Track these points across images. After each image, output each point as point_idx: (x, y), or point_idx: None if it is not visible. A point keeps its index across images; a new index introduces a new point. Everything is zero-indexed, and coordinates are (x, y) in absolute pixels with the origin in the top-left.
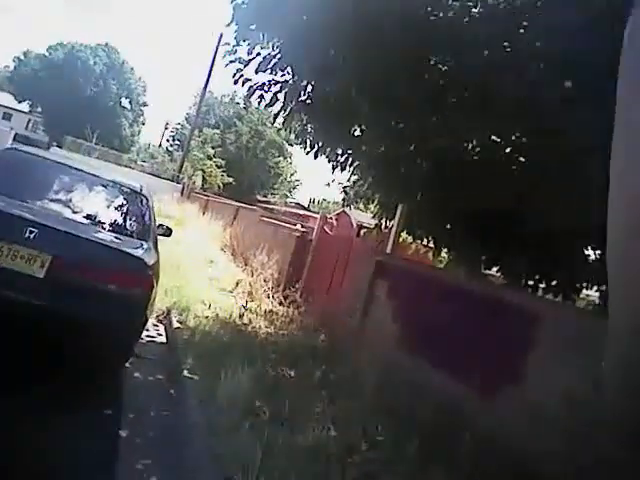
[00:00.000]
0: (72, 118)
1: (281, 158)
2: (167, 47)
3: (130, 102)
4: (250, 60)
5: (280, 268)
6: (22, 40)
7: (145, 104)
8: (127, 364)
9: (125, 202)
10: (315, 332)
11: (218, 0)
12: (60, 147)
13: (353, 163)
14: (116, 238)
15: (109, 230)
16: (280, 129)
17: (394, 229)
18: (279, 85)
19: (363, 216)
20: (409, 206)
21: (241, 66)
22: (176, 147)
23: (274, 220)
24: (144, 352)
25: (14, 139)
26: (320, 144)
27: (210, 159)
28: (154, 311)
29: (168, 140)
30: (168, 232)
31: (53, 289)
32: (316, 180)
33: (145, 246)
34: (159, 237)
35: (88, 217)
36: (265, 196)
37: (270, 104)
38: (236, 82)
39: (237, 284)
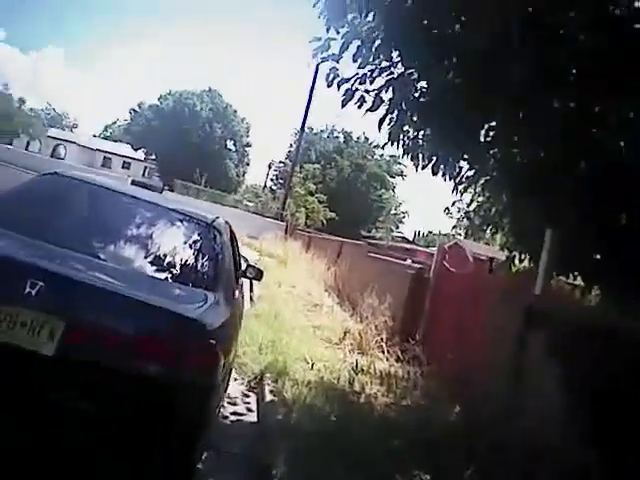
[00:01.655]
0: (182, 163)
1: (383, 190)
2: (266, 86)
3: (235, 144)
4: (345, 47)
5: (393, 313)
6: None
7: (249, 145)
8: (200, 462)
9: (188, 239)
10: (446, 403)
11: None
12: (171, 190)
13: (479, 179)
14: (165, 290)
15: (157, 278)
16: (381, 161)
17: (543, 263)
18: (384, 79)
19: (476, 247)
20: (561, 232)
21: (335, 64)
22: (279, 185)
23: (382, 256)
24: (226, 440)
25: (132, 185)
26: (437, 157)
27: (312, 195)
28: (247, 373)
29: (272, 179)
30: (259, 275)
31: (67, 375)
32: (422, 212)
33: (210, 300)
34: (249, 281)
35: (128, 260)
36: (369, 231)
37: (372, 108)
38: (330, 84)
39: (345, 334)
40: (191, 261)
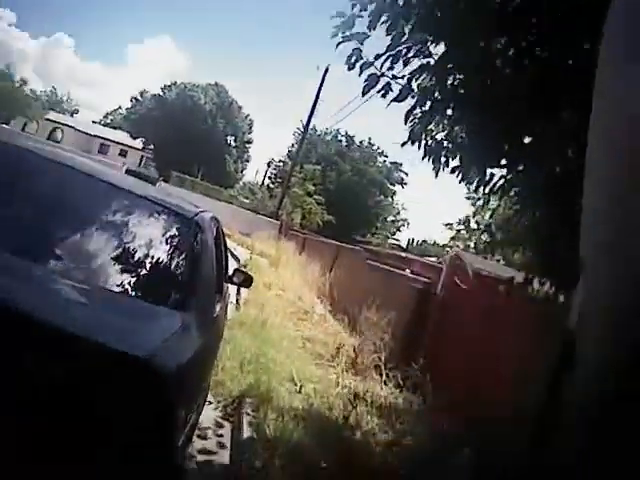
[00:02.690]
0: (181, 155)
1: (382, 197)
2: (272, 83)
3: (236, 140)
4: (374, 23)
5: (394, 330)
6: (142, 84)
7: (250, 142)
8: None
9: (158, 237)
10: (456, 446)
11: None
12: (166, 182)
13: (511, 189)
14: (114, 312)
15: (107, 291)
16: (382, 167)
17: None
18: (419, 61)
19: (475, 260)
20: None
21: (359, 45)
22: (277, 184)
23: (381, 264)
24: None
25: (126, 174)
26: (467, 160)
27: (310, 196)
28: (223, 395)
29: (270, 178)
30: (247, 282)
31: None
32: (416, 220)
33: (174, 325)
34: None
35: (68, 265)
36: (364, 236)
37: (400, 97)
38: (351, 67)
39: (338, 350)
40: (159, 267)
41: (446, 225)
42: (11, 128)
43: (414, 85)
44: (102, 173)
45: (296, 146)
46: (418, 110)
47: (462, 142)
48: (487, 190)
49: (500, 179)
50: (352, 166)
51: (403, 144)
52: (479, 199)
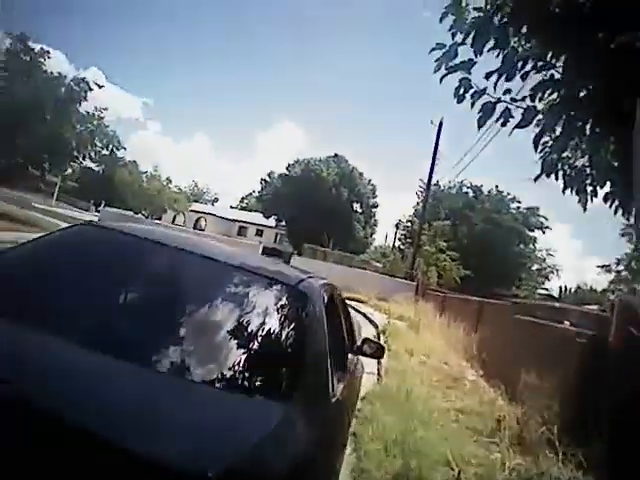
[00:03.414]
0: (311, 227)
1: (522, 245)
2: (390, 145)
3: (361, 206)
4: (480, 47)
5: (562, 396)
6: (270, 166)
7: (375, 205)
8: None
9: (251, 314)
10: None
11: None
12: (300, 255)
13: None
14: (200, 414)
15: (189, 387)
16: (517, 214)
17: None
18: (541, 76)
19: None
20: None
21: (466, 74)
22: (408, 245)
23: (531, 317)
24: None
25: (262, 251)
26: (618, 186)
27: (443, 252)
28: None
29: (400, 239)
30: (378, 352)
31: None
32: (566, 266)
33: (273, 422)
34: (366, 359)
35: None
36: (508, 289)
37: (523, 122)
38: (461, 99)
39: (499, 423)
40: (255, 351)
41: (602, 267)
42: (162, 223)
43: (538, 106)
44: (194, 244)
45: (421, 204)
46: (547, 137)
47: (611, 164)
48: None
49: None
50: (484, 217)
51: (536, 178)
52: None
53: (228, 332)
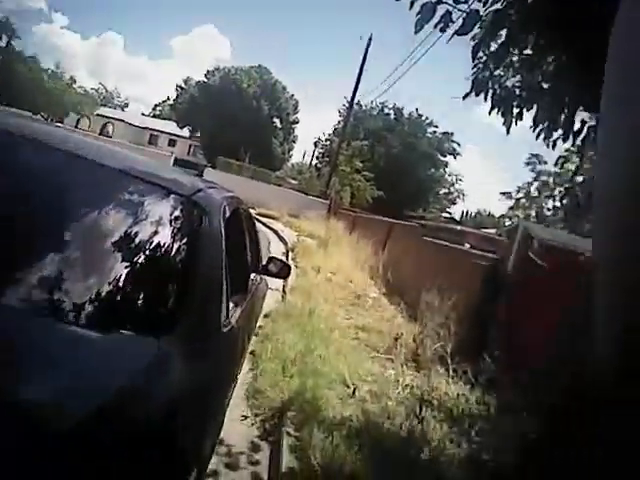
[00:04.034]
0: (228, 140)
1: (434, 169)
2: (316, 60)
3: (281, 121)
4: None
5: (460, 315)
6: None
7: (296, 122)
8: None
9: (135, 228)
10: (539, 447)
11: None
12: (214, 168)
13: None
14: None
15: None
16: (433, 139)
17: None
18: None
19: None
20: None
21: None
22: (325, 163)
23: (437, 239)
24: None
25: (174, 163)
26: (546, 109)
27: (359, 173)
28: (262, 407)
29: (318, 157)
30: (284, 271)
31: None
32: (469, 191)
33: (144, 360)
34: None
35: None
36: (416, 211)
37: (464, 28)
38: None
39: (396, 340)
40: (125, 278)
41: (504, 194)
42: (64, 126)
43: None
44: (63, 140)
45: (342, 123)
46: (482, 54)
47: (541, 86)
48: (578, 141)
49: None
50: (401, 140)
51: (465, 96)
52: (539, 163)
53: (97, 253)
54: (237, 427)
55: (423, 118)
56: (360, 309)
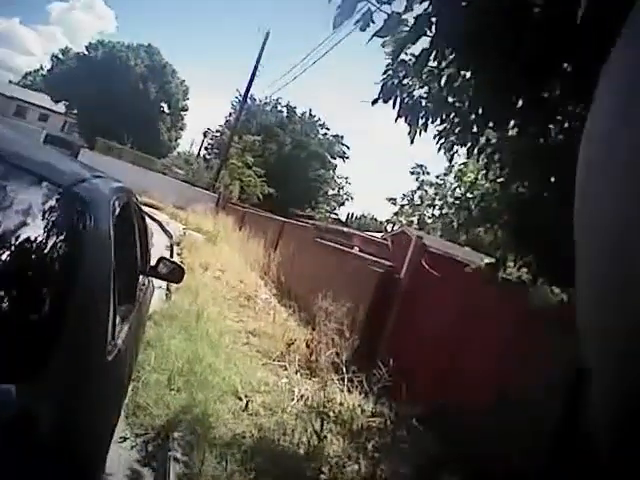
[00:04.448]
0: (109, 121)
1: (323, 170)
2: (210, 49)
3: (169, 106)
4: None
5: (353, 322)
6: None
7: (185, 109)
8: None
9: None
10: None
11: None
12: (91, 149)
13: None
14: None
15: None
16: (324, 140)
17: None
18: None
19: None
20: None
21: None
22: (214, 155)
23: (331, 242)
24: None
25: (45, 140)
26: (453, 120)
27: (249, 168)
28: (144, 426)
29: (207, 148)
30: (176, 275)
31: None
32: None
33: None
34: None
35: None
36: (302, 210)
37: (384, 30)
38: None
39: (289, 346)
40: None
41: (389, 200)
42: None
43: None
44: None
45: (234, 116)
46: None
47: (447, 99)
48: (478, 157)
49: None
50: (293, 138)
51: (374, 102)
52: (423, 173)
53: None
54: (115, 450)
55: (315, 119)
56: (251, 311)
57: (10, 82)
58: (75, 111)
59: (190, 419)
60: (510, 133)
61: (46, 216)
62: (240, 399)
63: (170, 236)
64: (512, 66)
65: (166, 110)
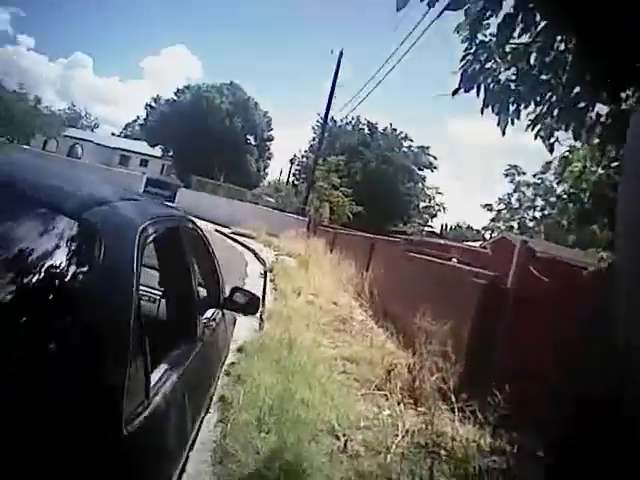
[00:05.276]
0: (201, 159)
1: (412, 183)
2: (288, 77)
3: (255, 138)
4: None
5: (457, 342)
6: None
7: (270, 139)
8: None
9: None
10: None
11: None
12: (188, 187)
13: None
14: None
15: None
16: (409, 153)
17: None
18: None
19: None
20: None
21: None
22: (302, 180)
23: (419, 254)
24: None
25: (146, 184)
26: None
27: (336, 189)
28: (233, 475)
29: (294, 174)
30: (252, 305)
31: None
32: (448, 205)
33: None
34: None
35: None
36: (395, 225)
37: (454, 4)
38: None
39: (389, 372)
40: None
41: (485, 206)
42: (31, 149)
43: None
44: None
45: (317, 139)
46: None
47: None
48: (587, 139)
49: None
50: (377, 154)
51: (454, 92)
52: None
53: None
54: None
55: (397, 132)
56: (346, 335)
57: (112, 134)
58: (171, 153)
59: (280, 466)
60: (629, 102)
61: (44, 246)
62: (337, 438)
63: (263, 263)
64: (627, 21)
65: (252, 142)
